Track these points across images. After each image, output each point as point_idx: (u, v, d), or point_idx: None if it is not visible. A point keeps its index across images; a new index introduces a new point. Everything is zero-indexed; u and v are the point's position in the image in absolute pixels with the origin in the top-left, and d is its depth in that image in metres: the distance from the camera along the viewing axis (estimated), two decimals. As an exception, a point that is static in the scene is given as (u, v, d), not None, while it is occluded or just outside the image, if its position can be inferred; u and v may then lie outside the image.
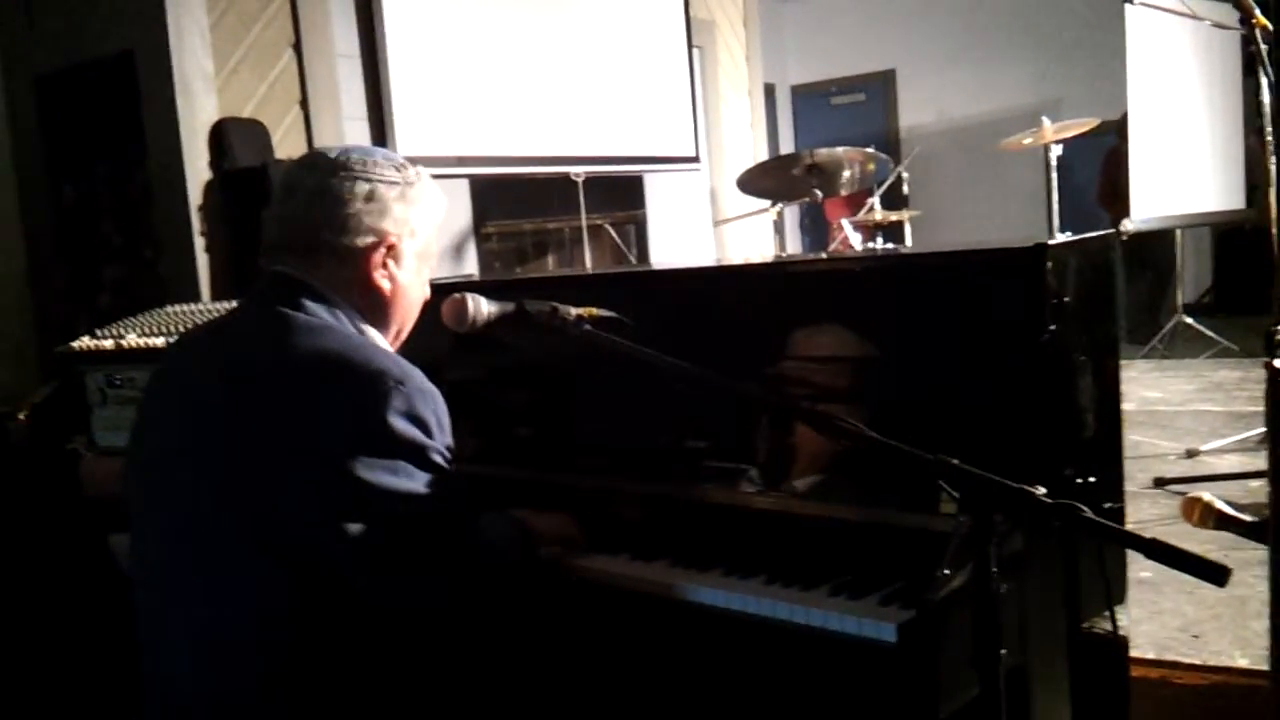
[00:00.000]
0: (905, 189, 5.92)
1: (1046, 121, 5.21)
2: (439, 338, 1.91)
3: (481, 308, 1.82)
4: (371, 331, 1.71)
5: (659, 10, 5.80)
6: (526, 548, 1.80)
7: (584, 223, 5.16)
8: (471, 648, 1.72)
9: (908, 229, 5.80)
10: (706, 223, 6.39)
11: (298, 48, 4.14)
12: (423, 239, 1.74)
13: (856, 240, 4.77)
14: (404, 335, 1.79)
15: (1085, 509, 1.33)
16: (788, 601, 1.71)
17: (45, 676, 3.02)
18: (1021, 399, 1.77)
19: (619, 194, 5.84)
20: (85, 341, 3.27)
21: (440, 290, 1.85)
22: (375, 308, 1.71)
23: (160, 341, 3.12)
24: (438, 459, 1.58)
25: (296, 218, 1.68)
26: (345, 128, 4.27)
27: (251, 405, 1.55)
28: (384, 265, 1.69)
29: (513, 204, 5.23)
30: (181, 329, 3.18)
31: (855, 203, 6.84)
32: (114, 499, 2.93)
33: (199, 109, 3.83)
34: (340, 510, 1.51)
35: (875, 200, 5.24)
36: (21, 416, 3.52)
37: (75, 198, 4.24)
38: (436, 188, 1.77)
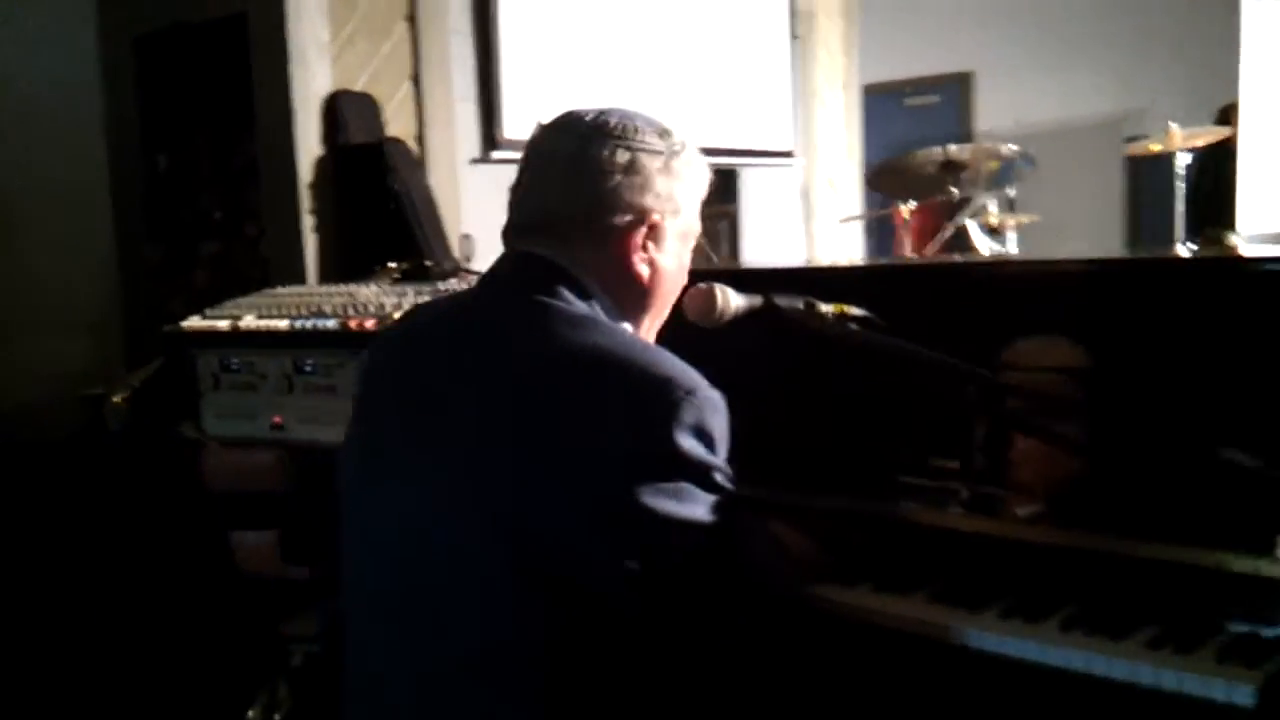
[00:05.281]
0: (1011, 192, 5.66)
1: (1174, 127, 4.93)
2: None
3: (730, 301, 1.61)
4: (626, 325, 1.49)
5: (763, -4, 5.58)
6: (789, 571, 1.58)
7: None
8: (724, 689, 1.49)
9: (1011, 235, 5.54)
10: (798, 222, 6.15)
11: (412, 20, 3.92)
12: (686, 217, 1.53)
13: (985, 244, 4.52)
14: (656, 328, 1.56)
15: None
16: (1101, 653, 1.48)
17: (157, 682, 2.83)
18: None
19: (713, 187, 5.59)
20: (196, 321, 3.06)
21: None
22: (631, 296, 1.49)
23: (284, 324, 2.89)
24: (722, 480, 1.36)
25: (547, 191, 1.46)
26: (455, 107, 4.04)
27: (513, 407, 1.33)
28: (643, 247, 1.47)
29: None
30: (297, 311, 2.95)
31: (928, 207, 6.60)
32: (238, 494, 2.74)
33: (312, 79, 3.61)
34: (618, 539, 1.29)
35: (992, 202, 4.99)
36: (118, 399, 3.30)
37: (170, 168, 4.02)
38: (701, 158, 1.55)
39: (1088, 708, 1.51)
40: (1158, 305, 1.74)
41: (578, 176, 1.44)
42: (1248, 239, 5.89)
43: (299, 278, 3.61)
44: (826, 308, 1.63)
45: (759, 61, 5.60)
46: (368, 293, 3.03)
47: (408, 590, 1.39)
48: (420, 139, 3.92)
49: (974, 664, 1.58)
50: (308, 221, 3.62)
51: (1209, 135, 4.89)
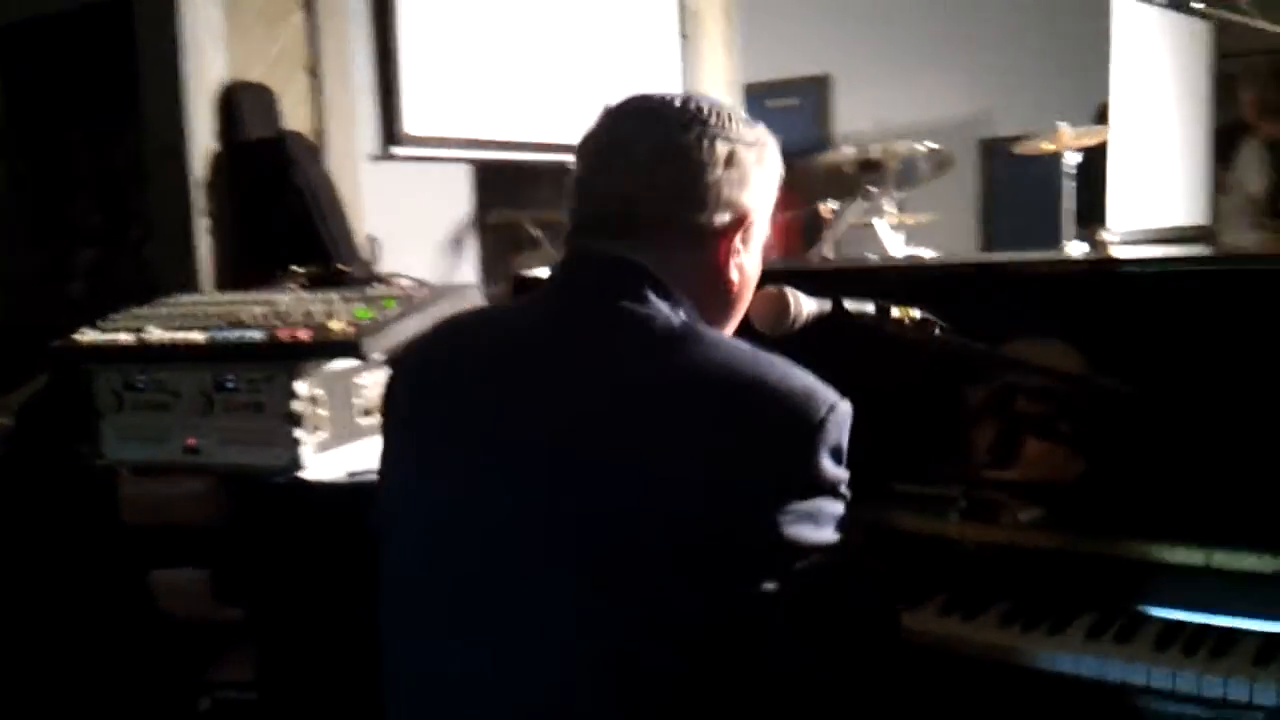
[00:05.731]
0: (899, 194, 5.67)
1: (1065, 126, 5.01)
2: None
3: (802, 306, 1.46)
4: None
5: (653, -5, 5.48)
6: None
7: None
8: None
9: (900, 235, 5.54)
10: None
11: (308, 7, 3.64)
12: (768, 215, 1.37)
13: (896, 245, 4.48)
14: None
15: None
16: (1210, 673, 1.39)
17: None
18: None
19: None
20: (91, 335, 2.75)
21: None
22: (717, 302, 1.33)
23: (200, 337, 2.61)
24: (847, 494, 1.22)
25: (634, 185, 1.28)
26: (355, 101, 3.78)
27: (619, 433, 1.17)
28: (737, 250, 1.31)
29: (512, 193, 4.80)
30: (211, 322, 2.68)
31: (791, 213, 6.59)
32: (161, 528, 2.46)
33: (207, 69, 3.30)
34: (748, 568, 1.14)
35: (889, 203, 4.97)
36: (-1, 421, 2.96)
37: (36, 169, 3.64)
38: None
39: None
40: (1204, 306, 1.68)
41: (667, 169, 1.27)
42: (1120, 236, 6.06)
43: (189, 285, 3.30)
44: (897, 311, 1.51)
45: (650, 60, 5.50)
46: (288, 300, 2.78)
47: (478, 651, 1.20)
48: (319, 134, 3.65)
49: (1059, 689, 1.48)
50: (201, 224, 3.30)
51: (1095, 135, 4.98)
